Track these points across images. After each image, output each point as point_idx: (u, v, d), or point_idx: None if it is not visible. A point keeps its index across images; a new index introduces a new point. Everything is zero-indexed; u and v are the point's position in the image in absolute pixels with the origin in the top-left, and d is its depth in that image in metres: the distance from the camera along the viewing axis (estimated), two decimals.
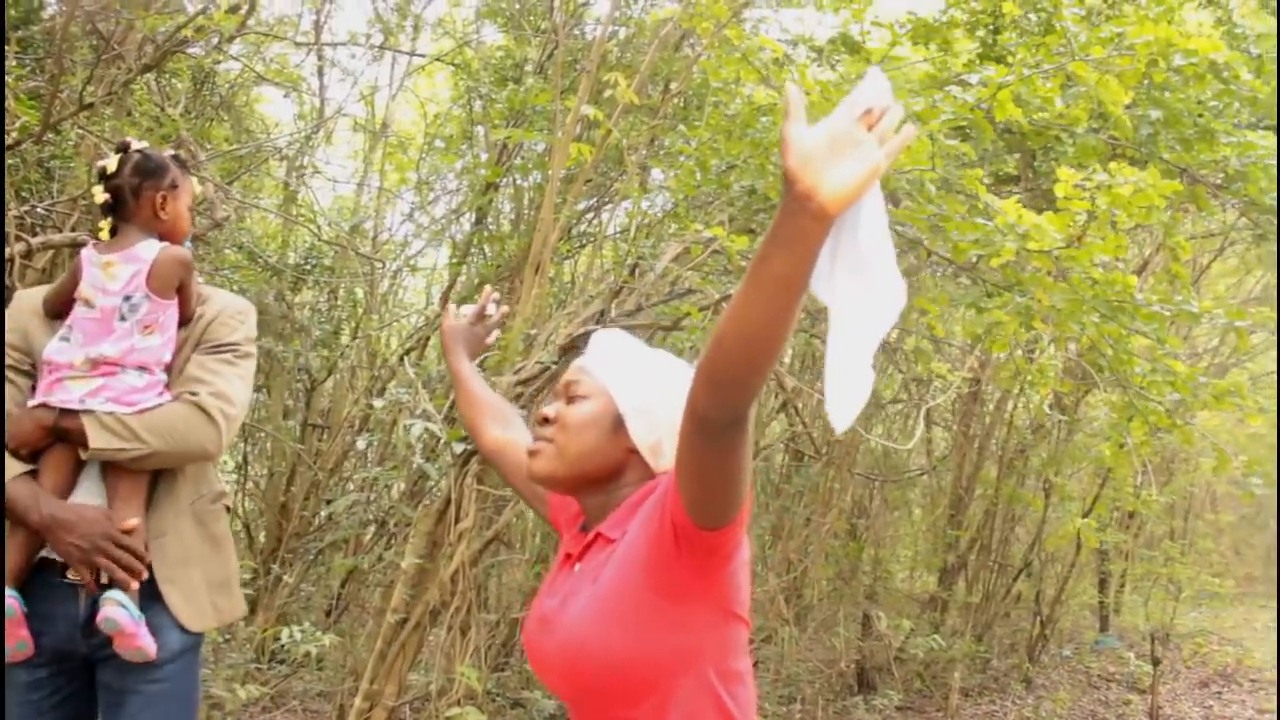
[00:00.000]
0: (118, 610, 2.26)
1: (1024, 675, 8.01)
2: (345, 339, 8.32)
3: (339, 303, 8.28)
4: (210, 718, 5.16)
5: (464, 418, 2.19)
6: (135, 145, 2.53)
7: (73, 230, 5.23)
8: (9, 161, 4.94)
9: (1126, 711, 7.53)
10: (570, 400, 1.72)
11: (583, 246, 6.19)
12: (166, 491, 2.44)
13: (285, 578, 7.06)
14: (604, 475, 1.70)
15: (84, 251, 2.46)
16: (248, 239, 7.14)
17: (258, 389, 8.48)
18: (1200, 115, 3.25)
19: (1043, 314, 2.88)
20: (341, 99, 9.08)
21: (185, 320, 2.49)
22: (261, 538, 7.87)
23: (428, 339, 7.67)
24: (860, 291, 1.32)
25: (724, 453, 1.36)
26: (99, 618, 2.27)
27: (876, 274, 1.32)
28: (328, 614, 7.00)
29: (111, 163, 2.48)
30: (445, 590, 4.74)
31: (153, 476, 2.42)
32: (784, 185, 1.18)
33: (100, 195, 2.48)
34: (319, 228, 8.24)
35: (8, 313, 2.56)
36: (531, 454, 1.72)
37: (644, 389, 1.68)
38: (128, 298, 2.38)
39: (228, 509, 2.61)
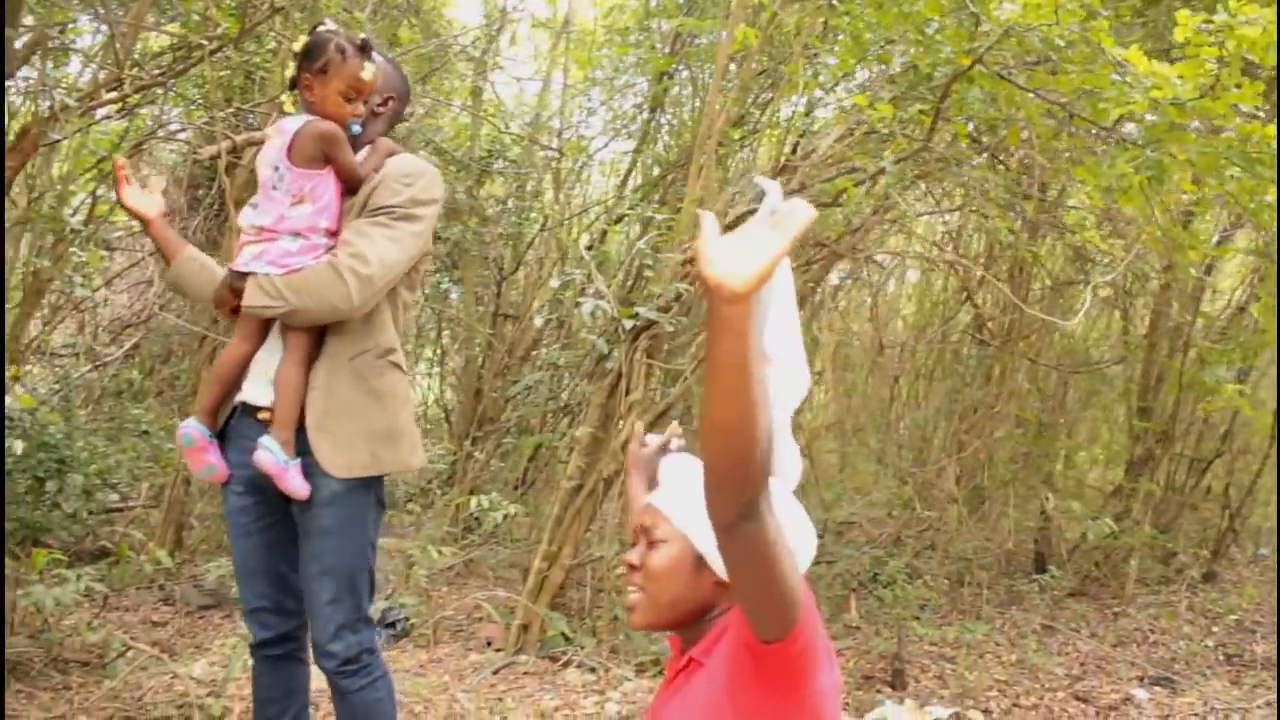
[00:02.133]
0: (264, 454, 2.55)
1: (1208, 569, 7.79)
2: (532, 231, 8.65)
3: (525, 197, 8.57)
4: (410, 575, 5.65)
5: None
6: (323, 27, 2.70)
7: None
8: (217, 71, 5.37)
9: None
10: (650, 545, 1.71)
11: (754, 134, 6.23)
12: (327, 347, 2.64)
13: (477, 455, 7.56)
14: (697, 612, 1.70)
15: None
16: (437, 136, 7.49)
17: (454, 281, 8.96)
18: None
19: (1177, 169, 2.82)
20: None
21: (354, 188, 2.67)
22: (459, 424, 8.44)
23: (605, 230, 7.91)
24: (776, 374, 1.49)
25: (749, 552, 1.37)
26: (254, 458, 2.56)
27: (782, 364, 1.51)
28: (515, 487, 7.45)
29: (297, 44, 2.73)
30: (617, 459, 5.03)
31: (319, 333, 2.64)
32: (706, 291, 1.26)
33: (289, 72, 2.75)
34: (505, 124, 8.56)
35: None
36: (628, 609, 1.74)
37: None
38: (276, 168, 2.59)
39: (397, 365, 2.73)
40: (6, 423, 5.16)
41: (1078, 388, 8.98)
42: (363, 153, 2.73)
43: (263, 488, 2.65)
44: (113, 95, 4.77)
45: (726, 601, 1.65)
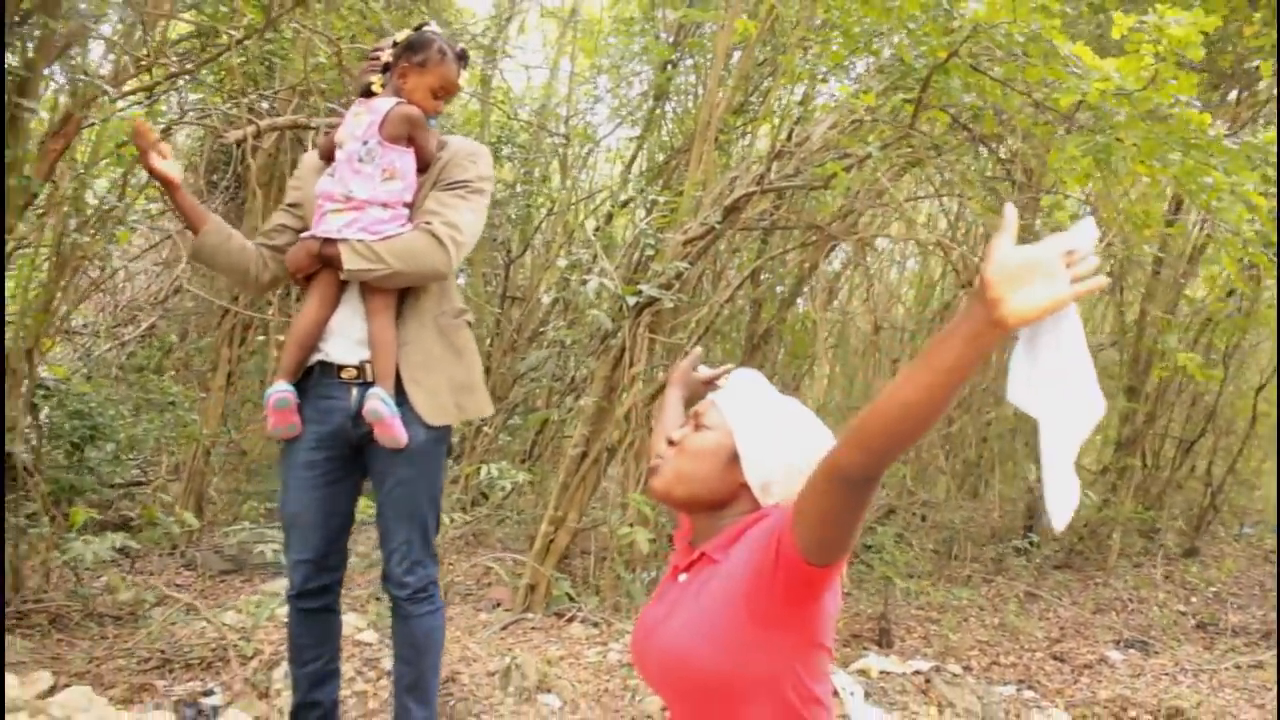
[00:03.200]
0: (379, 404, 2.80)
1: (1190, 545, 8.07)
2: (539, 215, 8.92)
3: (533, 182, 8.84)
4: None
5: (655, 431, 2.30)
6: (429, 27, 3.02)
7: (293, 115, 5.95)
8: (237, 59, 5.62)
9: None
10: (697, 428, 1.81)
11: (751, 121, 6.49)
12: (411, 307, 2.91)
13: (486, 429, 7.85)
14: (714, 502, 1.78)
15: (353, 105, 3.04)
16: (447, 122, 7.74)
17: (462, 264, 9.23)
18: None
19: (1123, 152, 3.09)
20: None
21: (425, 167, 2.96)
22: None
23: (611, 213, 8.18)
24: (1060, 398, 1.42)
25: (857, 504, 1.45)
26: (365, 409, 2.82)
27: (1076, 384, 1.42)
28: (522, 461, 7.74)
29: (402, 34, 3.01)
30: (620, 427, 5.32)
31: (400, 294, 2.91)
32: (977, 289, 1.28)
33: (385, 56, 3.03)
34: (514, 110, 8.82)
35: (295, 173, 3.17)
36: (651, 470, 1.85)
37: (764, 433, 1.75)
38: (365, 142, 2.88)
39: (469, 324, 3.02)
40: (42, 391, 5.46)
41: None
42: None
43: (335, 442, 2.91)
44: (143, 82, 5.06)
45: (744, 506, 1.77)
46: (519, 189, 8.70)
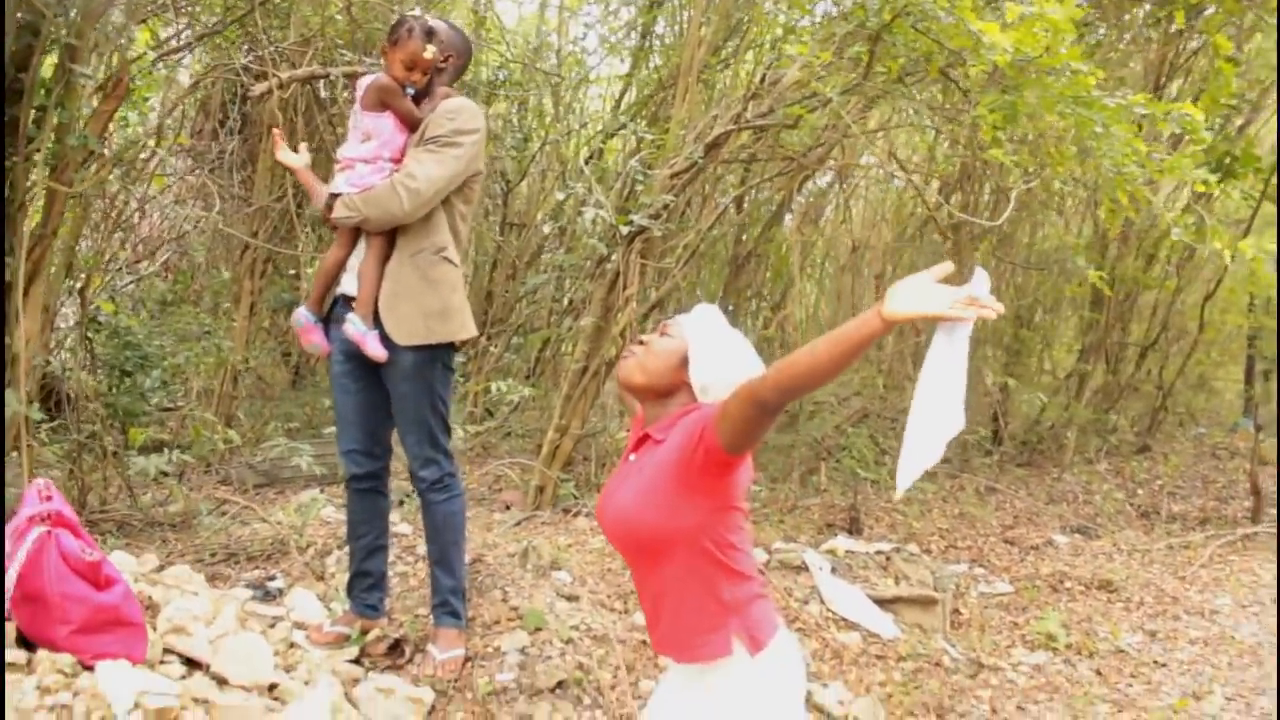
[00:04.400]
0: (349, 325, 3.47)
1: (1142, 444, 8.74)
2: (534, 147, 9.40)
3: (528, 114, 9.32)
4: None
5: None
6: (413, 12, 3.62)
7: (308, 66, 6.45)
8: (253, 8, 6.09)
9: (1238, 478, 8.20)
10: (663, 335, 2.32)
11: (726, 65, 6.99)
12: (398, 246, 3.52)
13: (491, 349, 8.46)
14: (664, 391, 2.28)
15: None
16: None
17: None
18: None
19: (1025, 110, 3.70)
20: None
21: (414, 129, 3.56)
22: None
23: (602, 147, 8.69)
24: (931, 392, 1.83)
25: (764, 422, 1.95)
26: (343, 328, 3.49)
27: (947, 391, 1.82)
28: (527, 377, 8.36)
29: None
30: (617, 344, 5.93)
31: (388, 236, 3.51)
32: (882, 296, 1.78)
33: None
34: (506, 47, 9.26)
35: None
36: (623, 362, 2.35)
37: (710, 348, 2.26)
38: (354, 113, 3.54)
39: (447, 259, 3.58)
40: (93, 326, 6.05)
41: (1045, 283, 9.83)
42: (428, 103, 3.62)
43: (357, 356, 3.56)
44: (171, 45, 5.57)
45: (684, 398, 2.28)
46: (514, 121, 9.18)
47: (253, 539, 4.88)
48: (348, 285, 3.61)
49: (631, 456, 2.34)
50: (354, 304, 3.55)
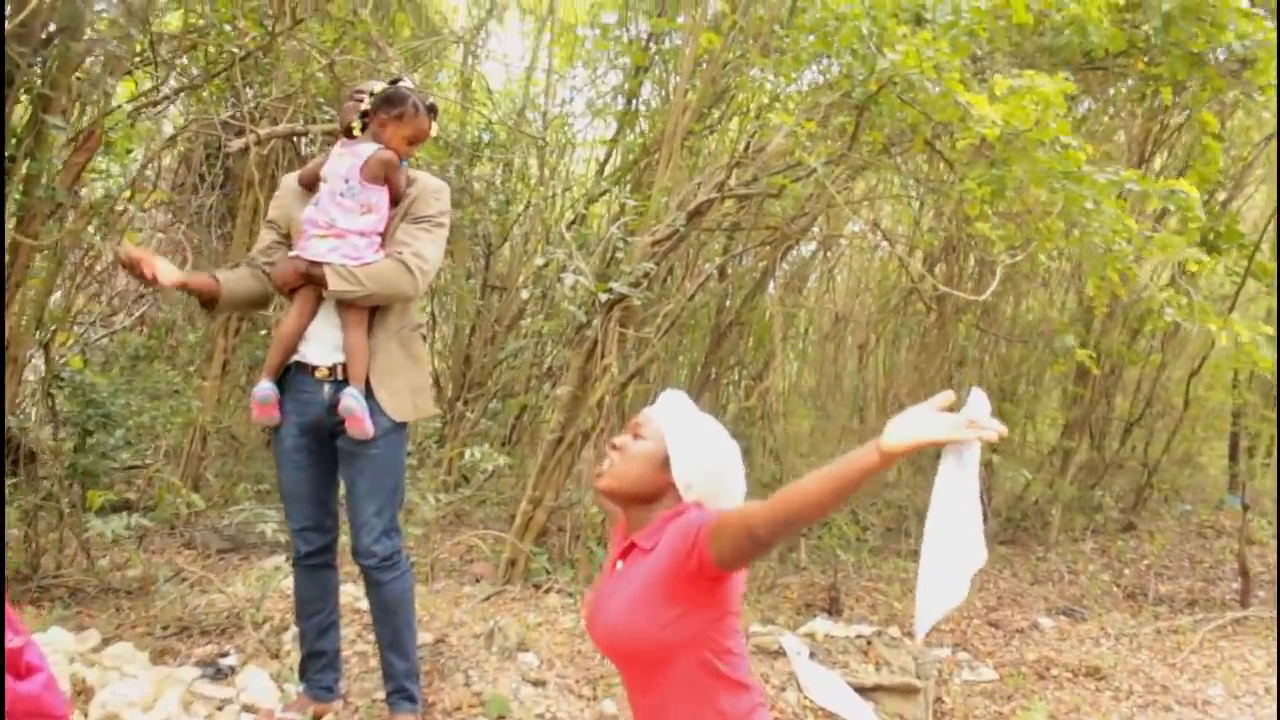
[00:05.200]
0: (352, 401, 3.34)
1: (1128, 522, 8.61)
2: (518, 209, 9.32)
3: (512, 176, 9.24)
4: (411, 518, 6.40)
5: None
6: (403, 83, 3.53)
7: (288, 122, 6.36)
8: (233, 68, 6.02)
9: (1225, 558, 8.07)
10: (636, 437, 2.22)
11: (711, 131, 6.94)
12: (379, 322, 3.46)
13: (468, 414, 8.30)
14: (647, 496, 2.19)
15: (335, 146, 3.52)
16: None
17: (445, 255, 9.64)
18: (1213, 4, 3.81)
19: (1013, 183, 3.61)
20: None
21: (395, 201, 3.48)
22: (450, 388, 9.16)
23: (584, 212, 8.62)
24: (945, 523, 1.74)
25: (758, 551, 1.92)
26: (340, 405, 3.35)
27: (963, 520, 1.73)
28: (503, 444, 8.19)
29: (380, 86, 3.51)
30: (593, 415, 5.78)
31: (370, 310, 3.44)
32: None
33: (365, 105, 3.51)
34: (492, 108, 9.22)
35: (277, 194, 3.66)
36: (598, 475, 2.24)
37: (688, 443, 2.18)
38: (347, 180, 3.40)
39: (424, 337, 3.62)
40: (56, 383, 5.87)
41: (1029, 357, 9.76)
42: None
43: (314, 430, 3.47)
44: (143, 98, 5.47)
45: (669, 500, 2.19)
46: (498, 183, 9.10)
47: (208, 611, 4.68)
48: (313, 355, 3.47)
49: (619, 565, 2.25)
50: (321, 377, 3.44)
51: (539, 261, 6.68)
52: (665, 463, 2.19)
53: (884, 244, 9.69)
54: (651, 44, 7.71)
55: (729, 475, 2.23)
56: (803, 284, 10.03)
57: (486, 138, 8.64)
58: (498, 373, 8.66)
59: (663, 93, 8.11)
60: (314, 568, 3.64)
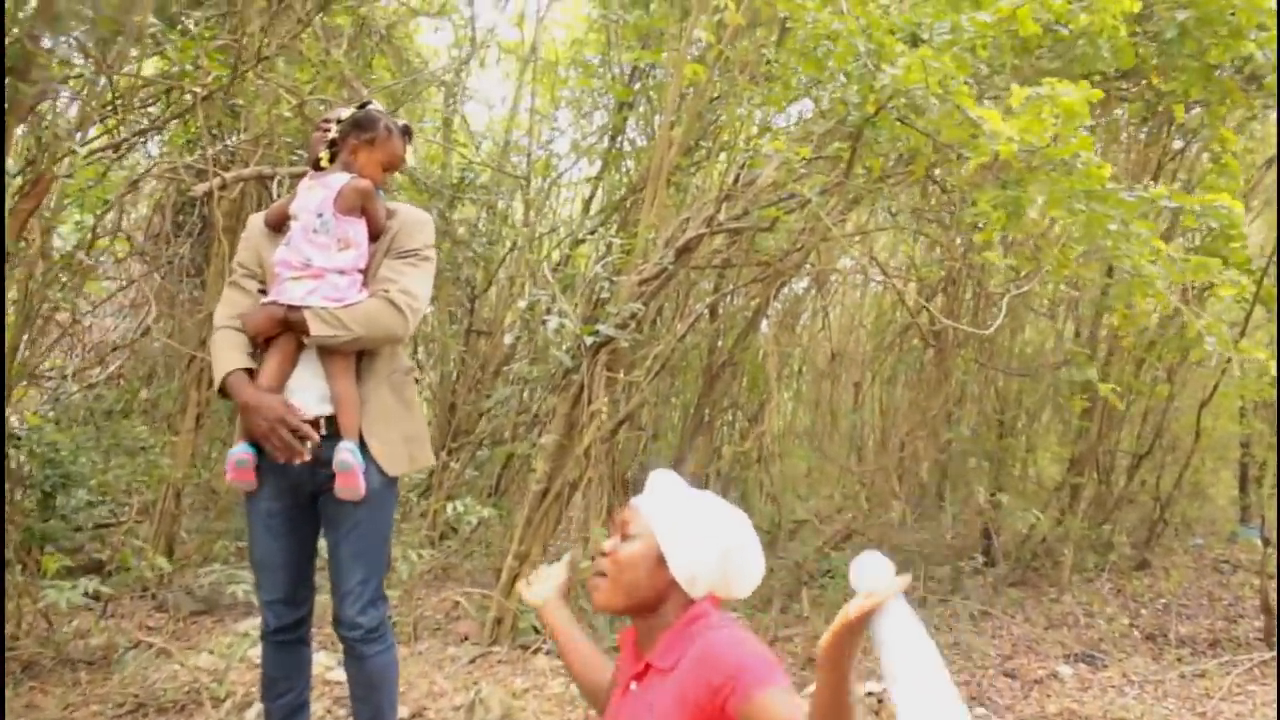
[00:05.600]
0: (349, 456, 3.00)
1: (1141, 558, 8.30)
2: (502, 251, 9.07)
3: (495, 218, 9.00)
4: (390, 580, 6.10)
5: (579, 680, 2.39)
6: (372, 106, 3.24)
7: (257, 165, 6.10)
8: (201, 111, 5.79)
9: (1244, 594, 7.76)
10: (624, 538, 2.02)
11: (698, 167, 6.68)
12: (367, 367, 3.13)
13: (452, 465, 7.99)
14: (651, 603, 1.99)
15: (303, 180, 3.23)
16: (408, 164, 7.87)
17: (430, 301, 9.39)
18: (1232, 13, 3.57)
19: (1028, 205, 3.34)
20: (491, 24, 9.81)
21: (376, 235, 3.17)
22: (434, 438, 8.87)
23: (569, 254, 8.37)
24: (907, 699, 1.62)
25: None
26: (336, 461, 3.00)
27: (925, 678, 1.63)
28: (489, 496, 7.88)
29: (346, 112, 3.22)
30: (580, 464, 5.48)
31: (356, 355, 3.11)
32: None
33: (332, 133, 3.22)
34: (475, 149, 9.00)
35: (244, 236, 3.36)
36: (592, 587, 2.05)
37: (683, 531, 1.97)
38: (320, 215, 3.08)
39: (416, 380, 3.30)
40: (13, 441, 5.57)
41: (1031, 390, 9.50)
42: None
43: (294, 492, 3.11)
44: (108, 140, 5.21)
45: (677, 601, 1.99)
46: (481, 226, 8.86)
47: (168, 685, 4.35)
48: (296, 408, 3.13)
49: (633, 686, 2.04)
50: (317, 431, 3.10)
51: (522, 304, 6.38)
52: (662, 561, 1.99)
53: (879, 278, 9.49)
54: (636, 80, 7.50)
55: (736, 558, 2.01)
56: (795, 321, 9.78)
57: (470, 178, 8.38)
58: (484, 421, 8.37)
59: (648, 129, 7.89)
60: (285, 644, 3.27)
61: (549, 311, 5.62)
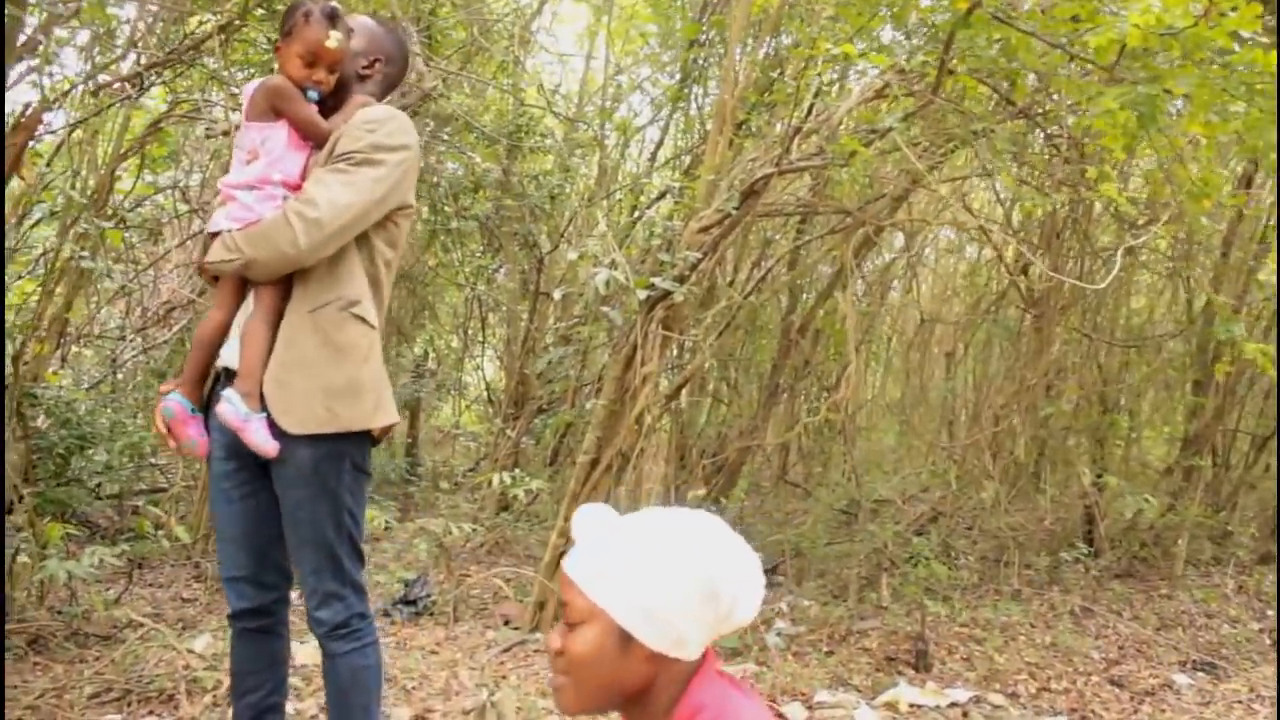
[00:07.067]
0: (225, 406, 2.48)
1: (1263, 551, 7.47)
2: (570, 208, 8.52)
3: (563, 174, 8.44)
4: (436, 552, 5.65)
5: None
6: None
7: None
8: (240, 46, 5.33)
9: None
10: (570, 625, 1.53)
11: (769, 108, 6.00)
12: (292, 301, 2.57)
13: (509, 432, 7.52)
14: (635, 691, 1.53)
15: None
16: (465, 109, 7.37)
17: (499, 263, 8.94)
18: None
19: (1173, 106, 2.60)
20: None
21: (320, 143, 2.62)
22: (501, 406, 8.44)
23: (635, 206, 7.80)
24: None
25: None
26: (215, 410, 2.50)
27: None
28: (547, 465, 7.39)
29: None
30: (633, 433, 4.92)
31: (285, 288, 2.57)
32: None
33: None
34: (548, 100, 8.44)
35: None
36: (556, 692, 1.58)
37: (642, 591, 1.48)
38: (239, 128, 2.61)
39: (361, 318, 2.61)
40: (29, 401, 5.21)
41: (1139, 363, 8.69)
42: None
43: (244, 452, 2.58)
44: (119, 75, 4.78)
45: (668, 675, 1.51)
46: (545, 179, 8.29)
47: (163, 670, 3.92)
48: (230, 357, 2.60)
49: None
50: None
51: (572, 256, 5.82)
52: (625, 636, 1.48)
53: (975, 233, 8.72)
54: (703, 15, 6.85)
55: (726, 589, 1.48)
56: (884, 285, 9.08)
57: (531, 125, 7.79)
58: (542, 387, 7.86)
59: (717, 69, 7.24)
60: (250, 632, 2.76)
61: (598, 264, 5.04)
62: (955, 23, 3.05)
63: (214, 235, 2.58)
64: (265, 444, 2.51)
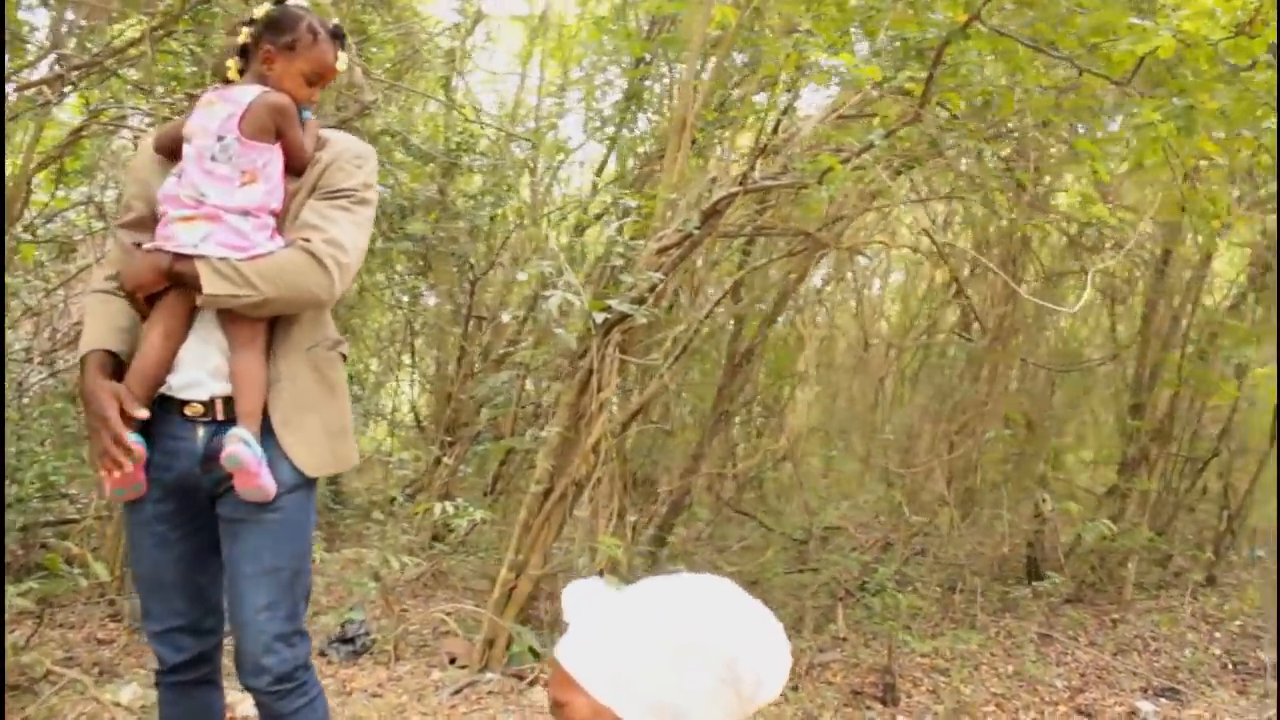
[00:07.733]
0: (241, 448, 2.25)
1: (1208, 573, 7.50)
2: (505, 229, 8.29)
3: (498, 193, 8.21)
4: (370, 586, 5.36)
5: None
6: (293, 1, 2.46)
7: None
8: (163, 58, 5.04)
9: None
10: (558, 705, 1.42)
11: (730, 122, 5.87)
12: (283, 338, 2.40)
13: (445, 460, 7.23)
14: None
15: (205, 94, 2.44)
16: (398, 125, 7.12)
17: (429, 285, 8.67)
18: None
19: (1206, 120, 2.50)
20: None
21: (300, 169, 2.42)
22: (429, 428, 8.15)
23: (580, 224, 7.61)
24: None
25: None
26: (223, 455, 2.26)
27: None
28: (486, 494, 7.13)
29: (260, 10, 2.44)
30: (588, 461, 4.71)
31: (270, 323, 2.38)
32: None
33: (242, 37, 2.45)
34: (478, 116, 8.21)
35: (131, 165, 2.59)
36: None
37: (656, 691, 1.35)
38: (220, 138, 2.32)
39: (344, 356, 2.53)
40: None
41: (1067, 387, 8.75)
42: None
43: (185, 492, 2.37)
44: (41, 78, 4.46)
45: None
46: (483, 200, 8.06)
47: None
48: (180, 384, 2.34)
49: None
50: (192, 415, 2.34)
51: (522, 277, 5.61)
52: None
53: (895, 258, 8.71)
54: (652, 32, 6.70)
55: (748, 668, 1.34)
56: (825, 307, 9.02)
57: (469, 143, 7.56)
58: (482, 412, 7.60)
59: (667, 93, 7.10)
60: (185, 686, 2.51)
61: (551, 286, 4.83)
62: (951, 34, 2.92)
63: (184, 257, 2.29)
64: (270, 488, 2.33)
